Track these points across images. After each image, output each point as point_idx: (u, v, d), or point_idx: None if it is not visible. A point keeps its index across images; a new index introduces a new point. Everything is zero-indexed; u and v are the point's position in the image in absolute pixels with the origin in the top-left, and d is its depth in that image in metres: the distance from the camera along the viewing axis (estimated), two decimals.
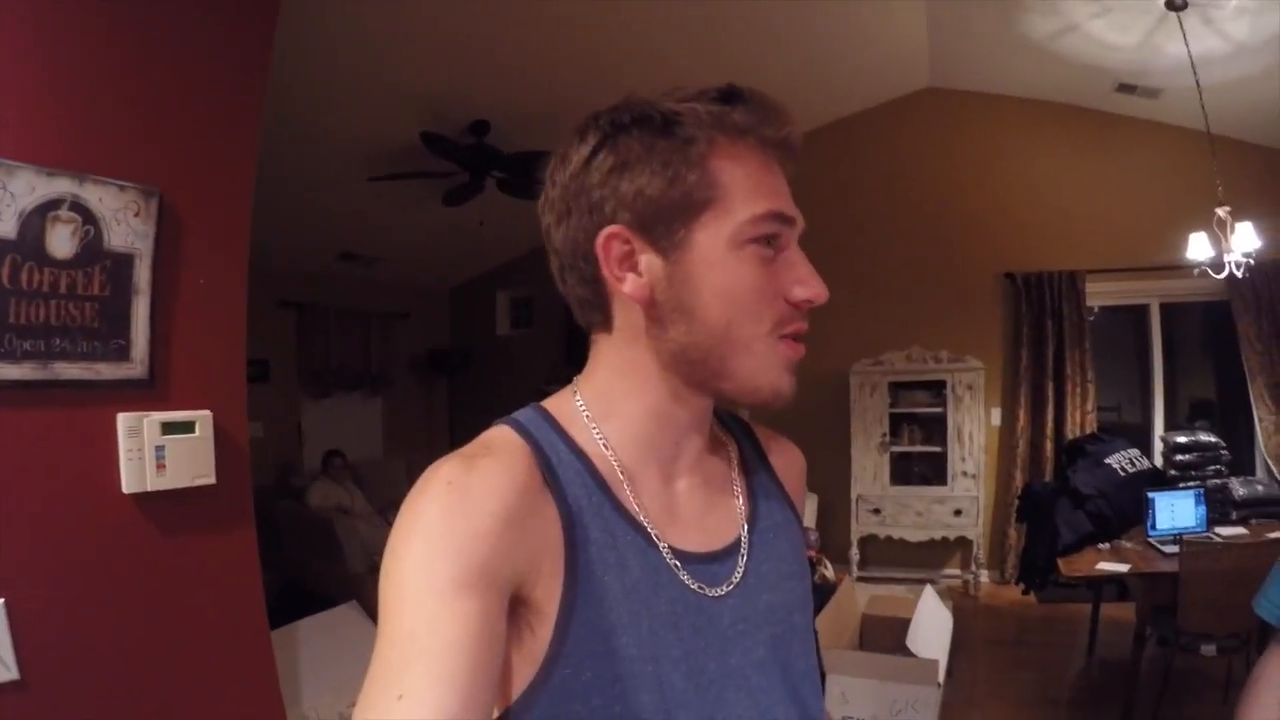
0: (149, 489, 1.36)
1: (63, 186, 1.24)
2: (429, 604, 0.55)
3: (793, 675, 0.74)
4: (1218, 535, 3.33)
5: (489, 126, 4.97)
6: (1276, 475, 4.74)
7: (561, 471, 0.67)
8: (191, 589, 1.45)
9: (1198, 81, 4.01)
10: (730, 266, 0.67)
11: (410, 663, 0.53)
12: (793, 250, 0.71)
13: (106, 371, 1.33)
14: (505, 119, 4.90)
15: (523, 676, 0.62)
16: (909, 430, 5.82)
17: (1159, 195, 5.13)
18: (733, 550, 0.73)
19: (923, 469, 5.80)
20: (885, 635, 3.56)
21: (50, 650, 1.22)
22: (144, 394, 1.38)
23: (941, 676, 2.93)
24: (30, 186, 1.20)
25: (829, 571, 4.29)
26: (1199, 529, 3.40)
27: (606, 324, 0.72)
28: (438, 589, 0.56)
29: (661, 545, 0.68)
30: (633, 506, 0.69)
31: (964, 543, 5.59)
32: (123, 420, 1.34)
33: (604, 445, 0.70)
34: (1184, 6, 3.72)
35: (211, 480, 1.46)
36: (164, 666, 1.39)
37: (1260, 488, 3.78)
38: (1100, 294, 5.46)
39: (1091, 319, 5.45)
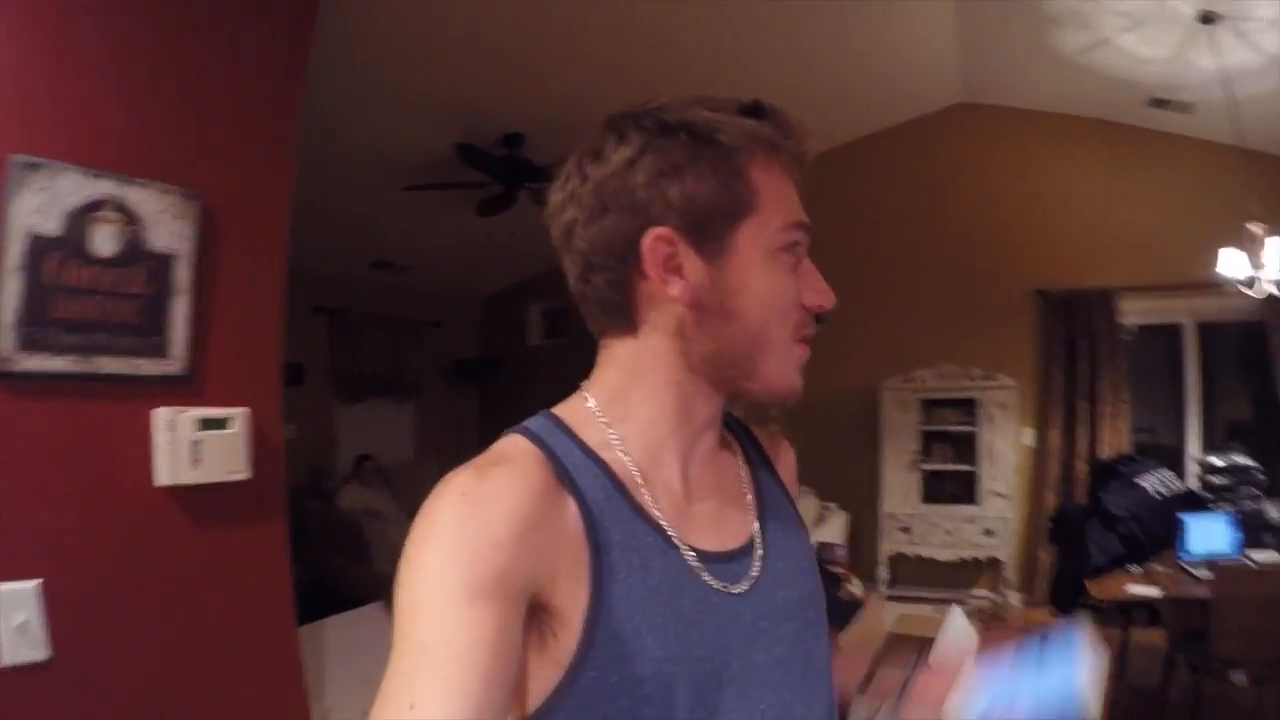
0: (184, 482, 1.40)
1: (107, 188, 1.29)
2: (443, 613, 0.55)
3: (813, 669, 0.76)
4: (1251, 560, 3.25)
5: (523, 139, 5.04)
6: None
7: (578, 476, 0.67)
8: (222, 581, 1.49)
9: (1230, 95, 3.95)
10: (767, 272, 0.70)
11: (423, 672, 0.54)
12: (806, 259, 0.74)
13: (146, 367, 1.37)
14: (539, 131, 4.96)
15: (546, 681, 0.62)
16: (940, 448, 5.76)
17: (1193, 211, 5.02)
18: (748, 549, 0.74)
19: (953, 488, 5.72)
20: (911, 655, 3.52)
21: (81, 633, 1.26)
22: (181, 390, 1.43)
23: None
24: (76, 187, 1.25)
25: (856, 589, 4.25)
26: (1232, 553, 3.32)
27: (631, 327, 0.72)
28: (451, 598, 0.56)
29: (682, 546, 0.69)
30: (651, 508, 0.69)
31: (994, 563, 5.51)
32: (160, 414, 1.39)
33: (620, 448, 0.70)
34: (1215, 20, 3.68)
35: (245, 476, 1.50)
36: (191, 655, 1.42)
37: None
38: (1134, 312, 5.36)
39: (1129, 338, 5.35)
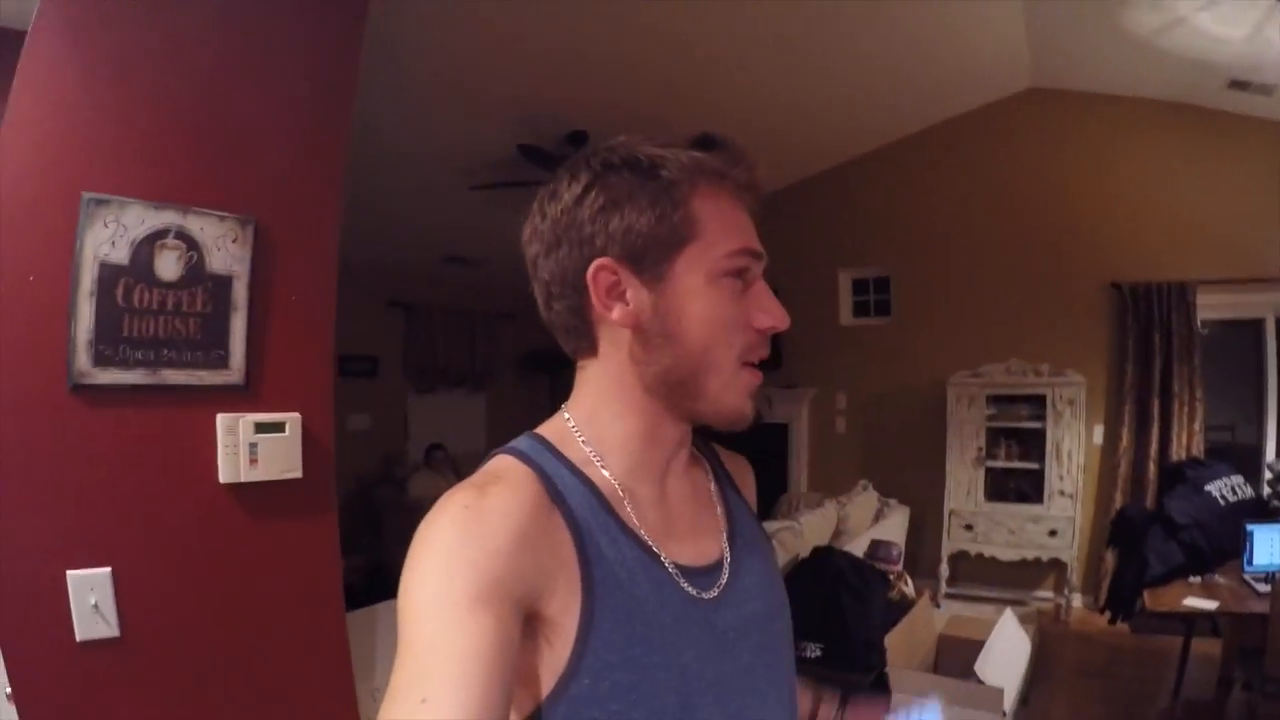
0: (242, 480, 1.55)
1: (169, 218, 1.44)
2: (449, 615, 0.59)
3: (778, 678, 0.81)
4: None
5: (586, 136, 5.13)
6: None
7: (567, 493, 0.71)
8: (276, 570, 1.63)
9: None
10: (709, 296, 0.73)
11: (432, 670, 0.57)
12: (759, 282, 0.77)
13: (208, 378, 1.52)
14: (602, 129, 5.02)
15: (542, 688, 0.66)
16: (1006, 445, 5.63)
17: (1276, 200, 4.76)
18: (720, 563, 0.79)
19: (1019, 486, 5.59)
20: (962, 658, 3.50)
21: (148, 614, 1.42)
22: (240, 397, 1.57)
23: (1009, 704, 2.87)
24: (140, 219, 1.40)
25: (909, 589, 4.23)
26: None
27: (592, 350, 0.78)
28: (456, 602, 0.59)
29: (663, 559, 0.74)
30: (634, 523, 0.74)
31: (1058, 564, 5.36)
32: (221, 420, 1.53)
33: (601, 465, 0.75)
34: None
35: (298, 474, 1.64)
36: (247, 636, 1.57)
37: None
38: (1212, 306, 5.10)
39: (1205, 332, 5.11)
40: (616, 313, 0.74)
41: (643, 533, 0.74)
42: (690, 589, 0.74)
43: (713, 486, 0.87)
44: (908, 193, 6.18)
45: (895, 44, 4.61)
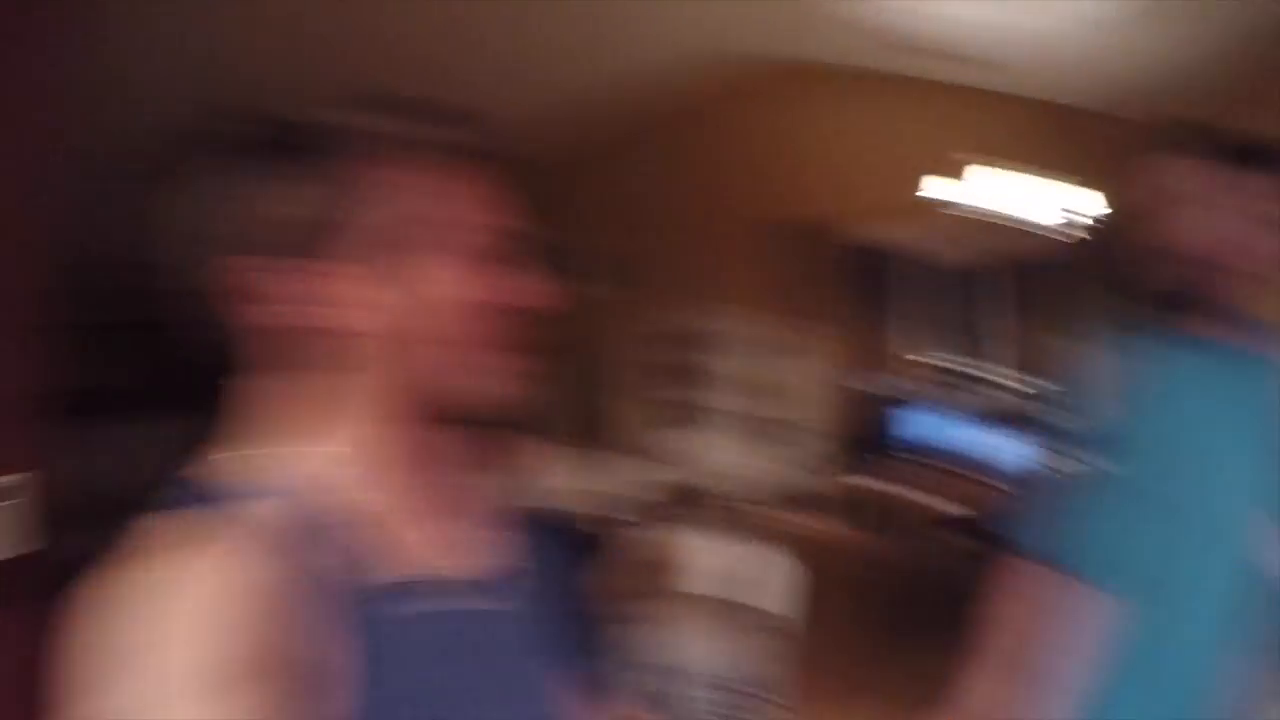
0: None
1: None
2: (190, 709, 0.51)
3: (549, 678, 0.77)
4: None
5: (275, 119, 4.63)
6: None
7: (314, 532, 0.61)
8: None
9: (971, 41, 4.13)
10: (437, 286, 0.64)
11: None
12: (508, 257, 0.68)
13: None
14: (288, 107, 4.61)
15: None
16: (688, 387, 5.81)
17: (917, 146, 5.33)
18: (498, 572, 0.74)
19: (724, 423, 5.81)
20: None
21: None
22: None
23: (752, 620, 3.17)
24: None
25: (645, 534, 4.39)
26: None
27: (312, 365, 0.66)
28: (198, 689, 0.51)
29: (434, 579, 0.67)
30: (398, 546, 0.65)
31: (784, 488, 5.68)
32: None
33: (348, 491, 0.65)
34: None
35: None
36: None
37: None
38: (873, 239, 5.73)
39: (862, 264, 5.76)
40: (329, 322, 0.63)
41: (409, 554, 0.66)
42: (465, 604, 0.69)
43: (482, 486, 0.79)
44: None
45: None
